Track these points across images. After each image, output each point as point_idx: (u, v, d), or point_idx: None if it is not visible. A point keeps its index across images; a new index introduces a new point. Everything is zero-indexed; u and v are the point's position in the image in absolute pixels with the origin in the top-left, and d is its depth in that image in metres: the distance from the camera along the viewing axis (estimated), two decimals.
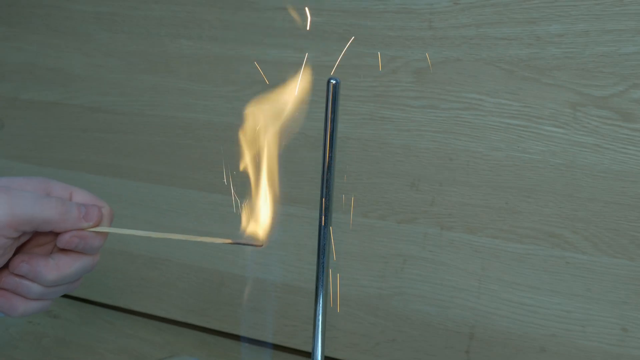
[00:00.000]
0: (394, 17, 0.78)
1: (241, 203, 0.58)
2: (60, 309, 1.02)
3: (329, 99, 0.52)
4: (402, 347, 0.84)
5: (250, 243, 0.57)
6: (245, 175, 0.57)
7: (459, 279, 0.80)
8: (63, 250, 0.56)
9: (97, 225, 0.56)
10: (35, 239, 0.57)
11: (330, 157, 0.54)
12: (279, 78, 0.59)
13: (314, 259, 0.61)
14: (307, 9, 0.66)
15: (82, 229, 0.55)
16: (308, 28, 0.59)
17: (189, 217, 0.94)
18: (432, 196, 0.80)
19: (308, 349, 0.89)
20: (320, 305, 0.57)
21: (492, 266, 0.78)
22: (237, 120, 0.91)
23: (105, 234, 0.57)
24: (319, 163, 0.56)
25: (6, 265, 0.56)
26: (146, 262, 0.98)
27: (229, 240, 0.57)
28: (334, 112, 0.53)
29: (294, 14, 0.62)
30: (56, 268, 0.55)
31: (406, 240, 0.82)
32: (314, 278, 0.57)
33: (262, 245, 0.58)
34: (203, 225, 0.93)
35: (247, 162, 0.58)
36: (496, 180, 0.77)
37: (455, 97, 0.77)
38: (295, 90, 0.56)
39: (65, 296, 1.05)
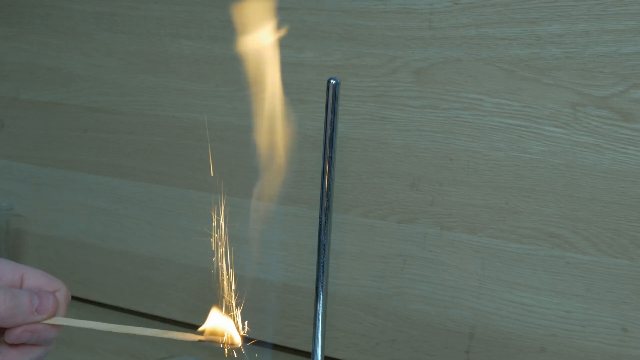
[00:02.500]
0: (394, 17, 0.78)
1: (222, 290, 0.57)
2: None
3: (329, 99, 0.52)
4: (402, 347, 0.84)
5: (224, 343, 0.54)
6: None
7: (459, 279, 0.80)
8: (12, 344, 0.50)
9: (51, 317, 0.50)
10: None
11: (330, 157, 0.54)
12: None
13: (314, 259, 0.61)
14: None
15: (35, 322, 0.49)
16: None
17: (189, 217, 0.94)
18: (432, 196, 0.80)
19: (308, 349, 0.89)
20: (320, 305, 0.57)
21: (492, 266, 0.78)
22: (237, 120, 0.91)
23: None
24: (319, 163, 0.56)
25: None
26: (146, 262, 0.98)
27: (202, 337, 0.53)
28: (334, 112, 0.53)
29: None
30: None
31: (406, 240, 0.82)
32: (314, 278, 0.57)
33: (239, 345, 0.54)
34: (203, 225, 0.93)
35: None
36: (496, 180, 0.77)
37: (455, 97, 0.77)
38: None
39: None
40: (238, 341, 0.54)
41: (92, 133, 0.98)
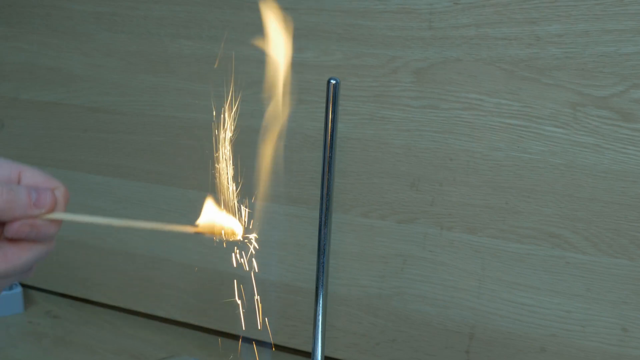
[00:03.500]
0: (394, 17, 0.78)
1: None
2: (60, 309, 1.02)
3: (329, 99, 0.52)
4: (402, 347, 0.84)
5: (224, 234, 0.52)
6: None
7: (459, 279, 0.80)
8: (12, 239, 0.50)
9: (50, 212, 0.50)
10: None
11: (330, 157, 0.54)
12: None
13: (314, 259, 0.61)
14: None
15: (33, 217, 0.49)
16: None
17: (189, 217, 0.93)
18: (432, 196, 0.80)
19: (308, 349, 0.89)
20: (320, 305, 0.57)
21: (492, 266, 0.78)
22: (237, 121, 0.91)
23: (61, 220, 0.51)
24: (319, 163, 0.56)
25: None
26: (146, 262, 0.98)
27: (201, 230, 0.52)
28: (334, 112, 0.53)
29: None
30: (4, 259, 0.49)
31: (406, 240, 0.82)
32: (314, 278, 0.57)
33: (238, 237, 0.53)
34: None
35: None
36: (496, 180, 0.77)
37: (455, 97, 0.77)
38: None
39: (65, 296, 1.05)
40: (239, 232, 0.53)
41: (92, 133, 0.98)
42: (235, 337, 0.95)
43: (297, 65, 0.83)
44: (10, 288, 1.01)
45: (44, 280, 1.06)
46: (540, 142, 0.74)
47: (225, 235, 0.53)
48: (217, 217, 0.53)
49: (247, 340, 0.93)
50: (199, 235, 0.53)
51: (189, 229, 0.52)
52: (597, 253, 0.74)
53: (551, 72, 0.72)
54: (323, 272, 0.56)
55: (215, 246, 0.93)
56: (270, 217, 0.88)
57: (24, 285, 1.04)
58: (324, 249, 0.56)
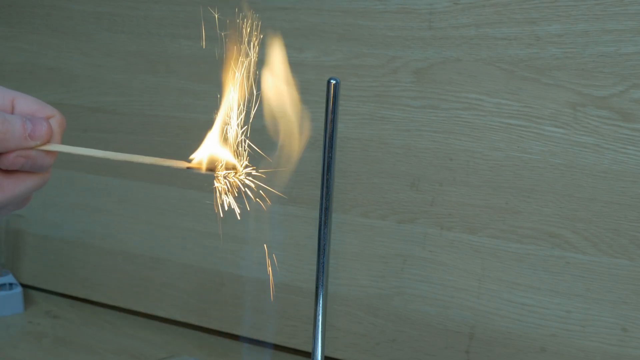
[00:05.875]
0: (394, 17, 0.78)
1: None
2: (60, 309, 1.02)
3: (329, 99, 0.52)
4: (402, 347, 0.84)
5: (224, 170, 0.51)
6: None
7: (459, 279, 0.80)
8: (6, 171, 0.48)
9: (46, 143, 0.48)
10: None
11: (330, 157, 0.54)
12: None
13: (314, 259, 0.61)
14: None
15: (28, 148, 0.47)
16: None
17: (189, 217, 0.94)
18: (432, 196, 0.80)
19: (308, 349, 0.89)
20: (320, 305, 0.57)
21: (492, 266, 0.78)
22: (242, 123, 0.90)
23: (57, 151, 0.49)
24: (319, 163, 0.56)
25: None
26: (146, 262, 0.98)
27: (197, 165, 0.51)
28: (334, 112, 0.53)
29: None
30: (0, 190, 0.47)
31: (406, 240, 0.82)
32: (314, 278, 0.57)
33: (239, 173, 0.51)
34: (203, 226, 0.93)
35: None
36: (496, 180, 0.77)
37: (455, 97, 0.77)
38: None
39: (65, 296, 1.05)
40: (239, 168, 0.52)
41: (92, 133, 0.98)
42: (235, 337, 0.95)
43: (297, 65, 0.83)
44: (11, 288, 1.01)
45: (44, 280, 1.06)
46: (540, 142, 0.74)
47: (222, 169, 0.52)
48: (213, 151, 0.53)
49: (247, 340, 0.93)
50: (190, 170, 0.52)
51: (182, 164, 0.51)
52: (597, 253, 0.74)
53: (551, 72, 0.72)
54: (323, 272, 0.56)
55: (216, 247, 0.93)
56: (270, 217, 0.88)
57: (24, 285, 1.04)
58: (324, 249, 0.56)
